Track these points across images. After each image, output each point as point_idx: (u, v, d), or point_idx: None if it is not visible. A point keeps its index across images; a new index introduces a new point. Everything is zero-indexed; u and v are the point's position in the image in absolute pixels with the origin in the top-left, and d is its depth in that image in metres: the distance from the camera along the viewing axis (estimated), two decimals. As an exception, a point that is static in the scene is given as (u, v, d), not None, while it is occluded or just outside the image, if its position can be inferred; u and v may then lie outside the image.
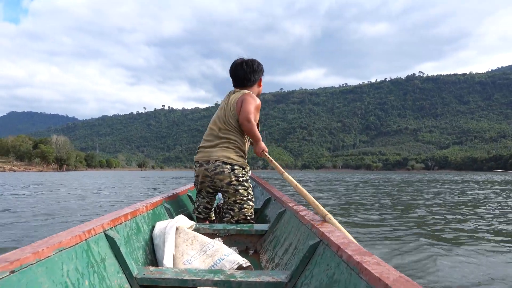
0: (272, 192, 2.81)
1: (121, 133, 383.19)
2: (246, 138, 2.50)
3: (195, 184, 2.59)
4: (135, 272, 1.38)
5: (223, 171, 2.33)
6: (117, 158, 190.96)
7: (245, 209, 2.40)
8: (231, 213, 2.41)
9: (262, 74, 2.66)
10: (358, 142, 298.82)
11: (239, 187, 2.38)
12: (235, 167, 2.37)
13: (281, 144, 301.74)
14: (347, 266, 0.98)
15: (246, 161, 2.48)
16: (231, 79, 2.65)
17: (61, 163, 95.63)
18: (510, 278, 2.49)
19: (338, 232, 1.27)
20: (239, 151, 2.42)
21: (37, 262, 0.97)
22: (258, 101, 2.48)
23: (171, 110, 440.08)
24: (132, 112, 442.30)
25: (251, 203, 2.44)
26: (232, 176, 2.35)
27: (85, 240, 1.24)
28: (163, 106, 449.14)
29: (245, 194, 2.41)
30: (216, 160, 2.35)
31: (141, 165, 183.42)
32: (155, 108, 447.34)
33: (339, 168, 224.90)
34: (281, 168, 2.27)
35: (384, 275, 0.80)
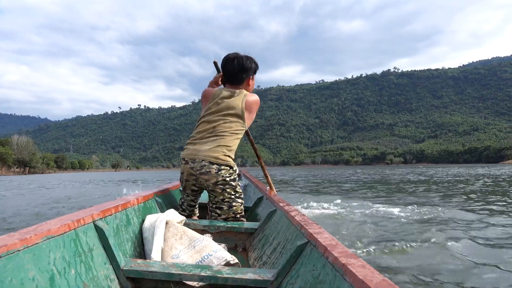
0: (264, 191, 2.79)
1: (96, 134, 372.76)
2: (235, 137, 2.44)
3: (180, 181, 2.53)
4: (122, 263, 1.38)
5: (210, 171, 2.27)
6: (91, 159, 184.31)
7: (235, 207, 2.38)
8: (218, 211, 2.39)
9: (254, 73, 2.56)
10: (335, 137, 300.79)
11: (226, 187, 2.33)
12: (222, 167, 2.30)
13: (260, 141, 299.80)
14: (333, 268, 0.98)
15: (233, 160, 2.40)
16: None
17: (24, 166, 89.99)
18: None
19: (326, 233, 1.26)
20: (226, 151, 2.34)
21: (24, 248, 0.96)
22: (258, 104, 2.54)
23: (147, 109, 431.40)
24: (107, 112, 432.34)
25: (240, 200, 2.41)
26: (219, 177, 2.29)
27: (74, 229, 1.23)
28: (139, 105, 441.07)
29: (233, 193, 2.37)
30: (202, 160, 2.28)
31: (115, 166, 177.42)
32: (130, 108, 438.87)
33: (318, 164, 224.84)
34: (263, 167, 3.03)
35: (368, 278, 0.81)
